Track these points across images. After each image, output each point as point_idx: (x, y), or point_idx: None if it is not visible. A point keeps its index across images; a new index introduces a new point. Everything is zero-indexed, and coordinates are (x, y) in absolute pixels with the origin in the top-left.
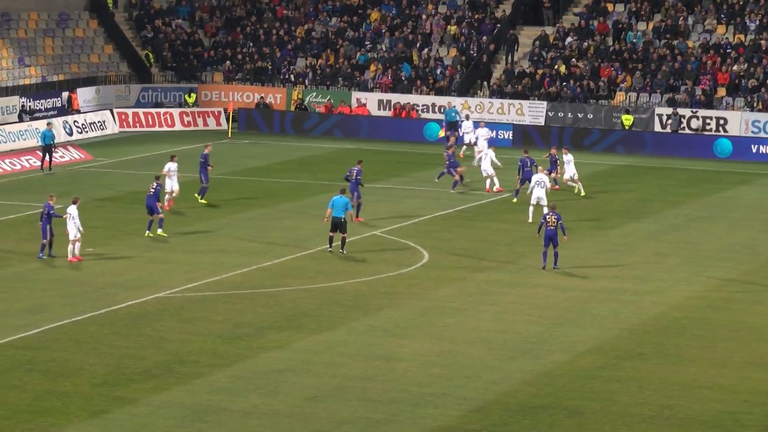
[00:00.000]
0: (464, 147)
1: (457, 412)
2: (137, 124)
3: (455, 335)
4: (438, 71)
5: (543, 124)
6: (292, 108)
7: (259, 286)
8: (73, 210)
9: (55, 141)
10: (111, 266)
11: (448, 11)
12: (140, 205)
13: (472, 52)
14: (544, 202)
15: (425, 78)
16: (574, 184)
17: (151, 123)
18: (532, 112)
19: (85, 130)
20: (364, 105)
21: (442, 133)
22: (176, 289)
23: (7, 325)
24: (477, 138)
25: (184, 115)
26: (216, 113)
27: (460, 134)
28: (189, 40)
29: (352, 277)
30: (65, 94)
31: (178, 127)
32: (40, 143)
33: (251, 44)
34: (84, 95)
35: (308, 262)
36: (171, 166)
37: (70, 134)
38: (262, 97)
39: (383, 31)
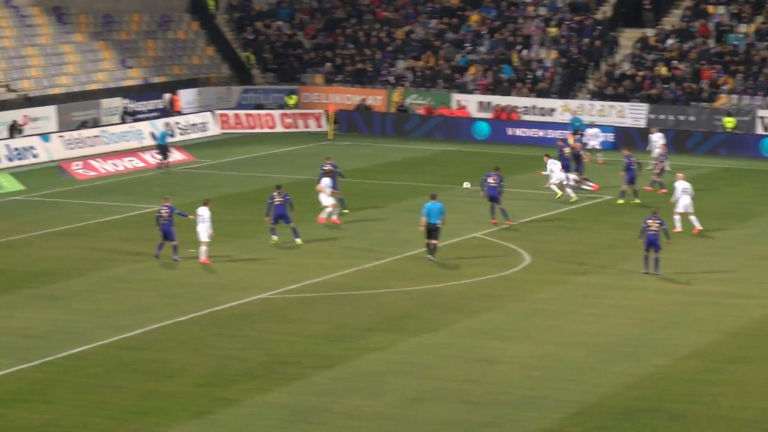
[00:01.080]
0: (599, 154)
1: (558, 415)
2: (238, 126)
3: (557, 338)
4: (538, 73)
5: (644, 126)
6: (393, 110)
7: (360, 288)
8: (204, 211)
9: (167, 141)
10: (213, 267)
11: (548, 13)
12: (242, 205)
13: (572, 54)
14: (691, 209)
15: (525, 80)
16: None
17: (252, 124)
18: (633, 114)
19: (187, 131)
20: (464, 107)
21: (571, 140)
22: (279, 290)
23: (112, 325)
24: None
25: (285, 117)
26: (316, 115)
27: (584, 141)
28: (289, 41)
29: (453, 280)
30: (167, 96)
31: (279, 128)
32: (158, 142)
33: (351, 46)
34: (185, 97)
35: (409, 264)
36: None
37: (172, 136)
38: (363, 99)
39: (483, 33)
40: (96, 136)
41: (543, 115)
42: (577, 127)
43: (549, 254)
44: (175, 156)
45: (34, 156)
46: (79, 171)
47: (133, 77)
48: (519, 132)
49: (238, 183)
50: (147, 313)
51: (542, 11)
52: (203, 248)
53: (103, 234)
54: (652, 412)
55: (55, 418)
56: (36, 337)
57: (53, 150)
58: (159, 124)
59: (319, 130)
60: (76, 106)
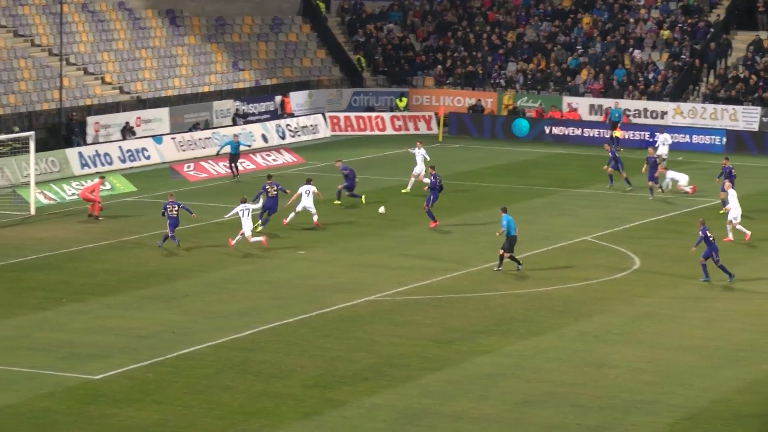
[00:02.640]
0: (664, 161)
1: (668, 420)
2: (349, 128)
3: (666, 342)
4: (650, 76)
5: (757, 129)
6: (504, 112)
7: (469, 291)
8: (246, 206)
9: (240, 151)
10: (322, 269)
11: (660, 16)
12: (352, 208)
13: (684, 56)
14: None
15: (636, 83)
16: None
17: (362, 127)
18: (746, 118)
19: (298, 133)
20: (576, 110)
21: (617, 133)
22: (387, 293)
23: (222, 326)
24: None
25: (395, 119)
26: (427, 117)
27: (656, 146)
28: (400, 44)
29: (563, 283)
30: (278, 98)
31: (389, 131)
32: (229, 152)
33: (462, 48)
34: (296, 99)
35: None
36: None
37: (283, 138)
38: (478, 101)
39: (595, 35)
40: (207, 138)
41: (654, 118)
42: (617, 120)
43: (659, 258)
44: (285, 158)
45: (147, 157)
46: (191, 173)
47: (245, 79)
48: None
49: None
50: (256, 315)
51: (655, 14)
52: (240, 237)
53: (213, 235)
54: (763, 418)
55: (165, 418)
56: (146, 337)
57: (165, 152)
58: (229, 135)
59: (429, 132)
60: (189, 108)
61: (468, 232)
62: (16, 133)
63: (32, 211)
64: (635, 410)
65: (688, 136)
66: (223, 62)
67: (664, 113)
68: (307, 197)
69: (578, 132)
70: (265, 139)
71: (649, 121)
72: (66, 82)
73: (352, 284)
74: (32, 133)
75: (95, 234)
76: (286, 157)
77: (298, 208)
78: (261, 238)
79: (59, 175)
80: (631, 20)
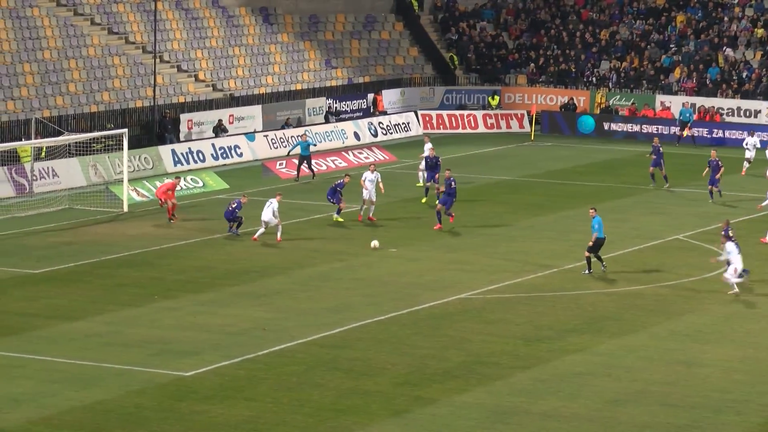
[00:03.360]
0: (746, 165)
1: (759, 419)
2: (441, 126)
3: (758, 341)
4: (743, 74)
5: None
6: (596, 110)
7: (559, 289)
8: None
9: (311, 151)
10: (413, 267)
11: (755, 14)
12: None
13: None
14: None
15: (730, 81)
16: None
17: (454, 125)
18: None
19: (390, 131)
20: (668, 108)
21: (686, 132)
22: (478, 291)
23: (312, 323)
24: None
25: (488, 118)
26: (519, 115)
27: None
28: (493, 42)
29: (654, 281)
30: (370, 96)
31: (482, 129)
32: (300, 153)
33: (555, 47)
34: (389, 97)
35: (609, 266)
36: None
37: (375, 135)
38: (571, 99)
39: (689, 33)
40: (300, 136)
41: (747, 116)
42: (687, 120)
43: (752, 257)
44: (377, 155)
45: (239, 155)
46: (283, 170)
47: (338, 77)
48: (721, 134)
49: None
50: (347, 312)
51: (749, 12)
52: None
53: (305, 233)
54: None
55: (255, 415)
56: (237, 334)
57: (257, 149)
58: (302, 136)
59: (521, 131)
60: (281, 106)
61: (559, 231)
62: (110, 130)
63: (125, 208)
64: (726, 409)
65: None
66: (316, 60)
67: (757, 112)
68: (371, 186)
69: (671, 130)
70: (357, 136)
71: (743, 120)
72: (159, 80)
73: (442, 282)
74: (125, 130)
75: (187, 231)
76: (378, 155)
77: (365, 196)
78: None
79: (152, 172)
80: (725, 18)
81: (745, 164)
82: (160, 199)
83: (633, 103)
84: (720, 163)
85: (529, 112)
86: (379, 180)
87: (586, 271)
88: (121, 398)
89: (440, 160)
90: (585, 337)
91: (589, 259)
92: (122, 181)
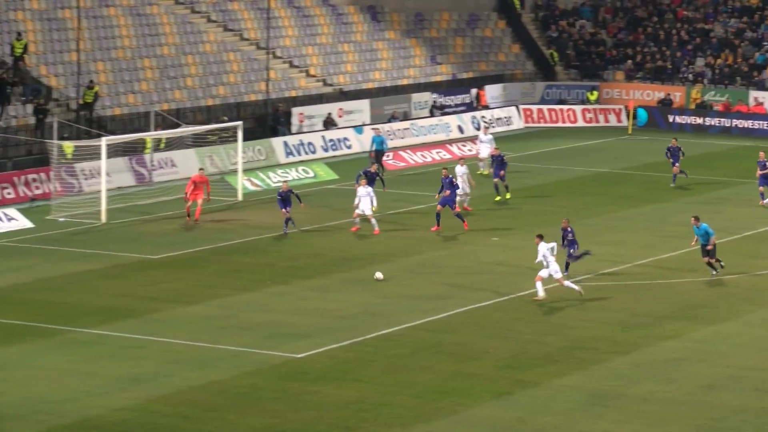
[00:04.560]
0: None
1: None
2: (541, 120)
3: None
4: None
5: None
6: (692, 106)
7: (656, 278)
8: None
9: (386, 146)
10: (515, 255)
11: None
12: (543, 197)
13: None
14: None
15: None
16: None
17: (554, 119)
18: None
19: (492, 125)
20: (762, 104)
21: None
22: (577, 279)
23: (418, 308)
24: None
25: (586, 112)
26: (617, 110)
27: None
28: (592, 39)
29: (748, 271)
30: (473, 91)
31: (580, 123)
32: (374, 148)
33: (652, 44)
34: (491, 92)
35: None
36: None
37: (478, 128)
38: (667, 95)
39: None
40: (405, 129)
41: None
42: None
43: None
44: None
45: (348, 147)
46: (389, 161)
47: (442, 73)
48: None
49: (540, 175)
50: (451, 298)
51: None
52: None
53: (411, 222)
54: None
55: (363, 395)
56: (347, 318)
57: (365, 141)
58: (373, 131)
59: (618, 125)
60: (388, 100)
61: (655, 222)
62: (225, 122)
63: (239, 197)
64: None
65: None
66: (422, 56)
67: None
68: (461, 179)
69: (764, 125)
70: (461, 130)
71: None
72: (272, 75)
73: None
74: (240, 123)
75: (298, 219)
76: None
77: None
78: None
79: (265, 163)
80: None
81: None
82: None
83: (727, 99)
84: (767, 164)
85: (626, 107)
86: (468, 174)
87: (713, 273)
88: (235, 378)
89: (505, 157)
90: (680, 323)
91: (710, 264)
92: (237, 171)
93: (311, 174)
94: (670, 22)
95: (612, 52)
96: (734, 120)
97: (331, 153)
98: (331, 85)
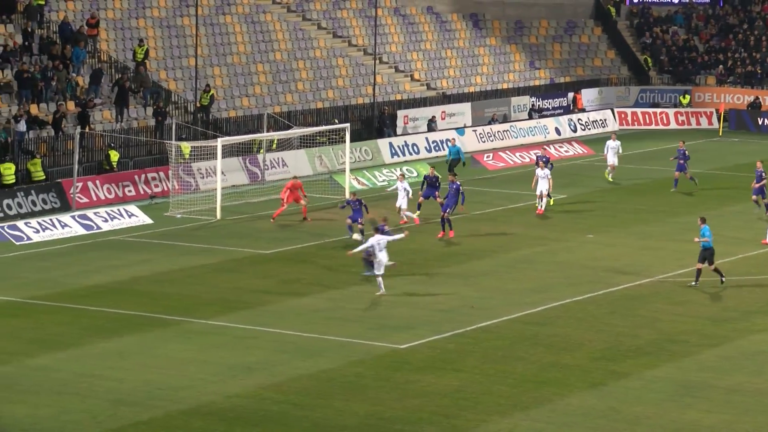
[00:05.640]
0: None
1: None
2: (635, 123)
3: None
4: None
5: None
6: None
7: (744, 273)
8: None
9: (463, 155)
10: (609, 251)
11: None
12: (637, 196)
13: None
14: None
15: None
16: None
17: (648, 121)
18: None
19: (588, 127)
20: None
21: None
22: (669, 274)
23: (516, 302)
24: None
25: (679, 115)
26: (708, 113)
27: None
28: (685, 45)
29: None
30: (570, 95)
31: (673, 125)
32: (449, 157)
33: (743, 50)
34: (588, 95)
35: None
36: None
37: (574, 131)
38: (757, 98)
39: None
40: (505, 131)
41: None
42: None
43: None
44: (576, 149)
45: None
46: (489, 162)
47: (541, 77)
48: None
49: (634, 175)
50: (547, 292)
51: None
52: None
53: (510, 219)
54: None
55: (463, 384)
56: (447, 311)
57: (467, 142)
58: (449, 141)
59: (710, 127)
60: (489, 103)
61: (743, 220)
62: (334, 124)
63: (347, 196)
64: None
65: None
66: (521, 61)
67: None
68: (542, 182)
69: None
70: (558, 131)
71: None
72: (379, 79)
73: (636, 266)
74: (348, 124)
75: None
76: (577, 149)
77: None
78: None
79: (371, 163)
80: None
81: None
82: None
83: None
84: (764, 174)
85: (717, 110)
86: (549, 176)
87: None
88: (342, 368)
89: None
90: None
91: (699, 272)
92: (344, 170)
93: (415, 173)
94: (760, 28)
95: (704, 57)
96: None
97: (434, 153)
98: (434, 89)
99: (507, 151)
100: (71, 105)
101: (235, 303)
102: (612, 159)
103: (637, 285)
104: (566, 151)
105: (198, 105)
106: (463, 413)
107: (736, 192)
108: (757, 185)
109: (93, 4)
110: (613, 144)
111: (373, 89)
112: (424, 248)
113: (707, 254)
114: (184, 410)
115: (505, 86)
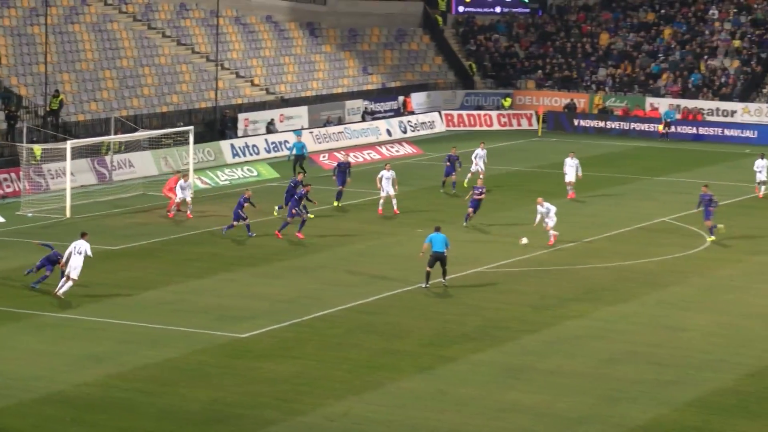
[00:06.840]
0: (763, 187)
1: (733, 376)
2: (461, 124)
3: (733, 309)
4: (722, 80)
5: None
6: (594, 111)
7: (563, 264)
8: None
9: (307, 152)
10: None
11: (732, 28)
12: (463, 192)
13: (752, 63)
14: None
15: (710, 86)
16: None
17: (472, 123)
18: None
19: (417, 128)
20: (657, 109)
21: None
22: (493, 265)
23: (351, 293)
24: None
25: (501, 117)
26: (528, 115)
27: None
28: (506, 52)
29: (644, 258)
30: (401, 98)
31: (496, 126)
32: (294, 153)
33: (560, 56)
34: (417, 99)
35: (606, 244)
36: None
37: (404, 132)
38: (572, 101)
39: (674, 45)
40: (340, 132)
41: (725, 116)
42: (671, 119)
43: (728, 236)
44: (406, 149)
45: (288, 149)
46: (325, 161)
47: (373, 82)
48: (702, 131)
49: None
50: (381, 283)
51: (727, 26)
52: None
53: (346, 216)
54: None
55: (302, 371)
56: (287, 301)
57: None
58: (294, 137)
59: (529, 128)
60: (324, 107)
61: (564, 214)
62: (178, 127)
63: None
64: (705, 367)
65: (755, 132)
66: (355, 67)
67: (733, 112)
68: (386, 183)
69: (656, 128)
70: (389, 133)
71: (721, 119)
72: (221, 84)
73: (465, 258)
74: (191, 127)
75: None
76: (407, 149)
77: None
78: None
79: (214, 164)
80: (707, 32)
81: (762, 188)
82: (166, 196)
83: (626, 105)
84: (714, 198)
85: (536, 112)
86: (394, 177)
87: (444, 280)
88: (186, 356)
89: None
90: (584, 305)
91: (428, 274)
92: (189, 170)
93: (255, 173)
94: (575, 36)
95: (524, 63)
96: (632, 123)
97: (273, 154)
98: (273, 93)
99: (341, 152)
100: None
101: (85, 297)
102: (570, 177)
103: (464, 275)
104: (397, 151)
105: (48, 109)
106: (302, 397)
107: (554, 188)
108: (711, 209)
109: None
110: (571, 162)
111: (216, 94)
112: (264, 243)
113: (438, 258)
114: (36, 399)
115: (339, 91)
